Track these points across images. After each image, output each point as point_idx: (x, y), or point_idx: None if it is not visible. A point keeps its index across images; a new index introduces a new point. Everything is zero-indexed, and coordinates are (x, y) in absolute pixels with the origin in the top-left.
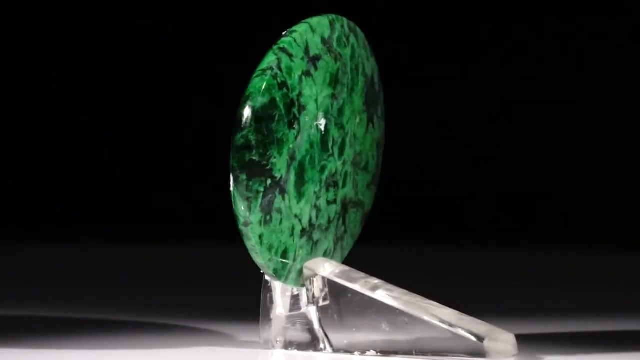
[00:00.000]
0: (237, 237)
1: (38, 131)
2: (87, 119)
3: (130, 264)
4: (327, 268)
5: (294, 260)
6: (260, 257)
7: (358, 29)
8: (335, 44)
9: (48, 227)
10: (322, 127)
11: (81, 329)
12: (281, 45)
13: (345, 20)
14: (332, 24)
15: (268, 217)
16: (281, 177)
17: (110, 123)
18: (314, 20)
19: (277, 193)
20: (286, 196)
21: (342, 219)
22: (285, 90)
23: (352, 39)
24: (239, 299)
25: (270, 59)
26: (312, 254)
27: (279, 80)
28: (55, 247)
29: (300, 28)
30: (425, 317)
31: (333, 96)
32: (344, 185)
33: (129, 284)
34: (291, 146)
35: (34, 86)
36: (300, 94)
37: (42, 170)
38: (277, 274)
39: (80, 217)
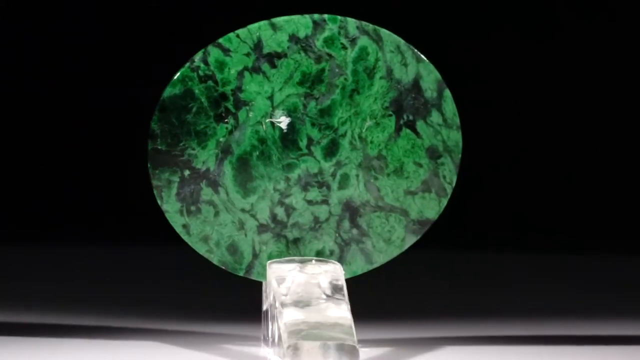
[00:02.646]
0: None
1: (34, 131)
2: (84, 119)
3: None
4: (286, 268)
5: (255, 256)
6: (194, 247)
7: (385, 32)
8: (319, 44)
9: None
10: (284, 125)
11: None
12: (218, 41)
13: (350, 21)
14: (317, 24)
15: (193, 208)
16: (208, 170)
17: (106, 125)
18: (281, 19)
19: (203, 185)
20: (221, 189)
21: (351, 222)
22: (210, 83)
23: (365, 41)
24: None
25: (198, 53)
26: (289, 251)
27: (201, 73)
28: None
29: (255, 25)
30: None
31: (308, 95)
32: (342, 188)
33: (129, 287)
34: (221, 139)
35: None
36: (238, 89)
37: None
38: (228, 267)
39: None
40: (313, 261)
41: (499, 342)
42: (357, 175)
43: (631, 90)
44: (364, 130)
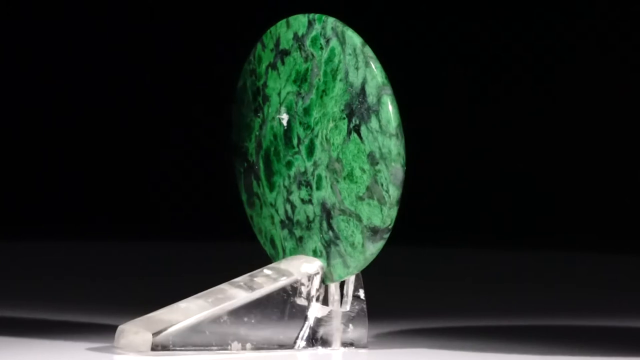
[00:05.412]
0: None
1: (35, 130)
2: (88, 116)
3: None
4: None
5: (283, 251)
6: (258, 239)
7: (349, 34)
8: (308, 43)
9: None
10: (285, 122)
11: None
12: (262, 36)
13: (330, 22)
14: (310, 23)
15: (251, 200)
16: (253, 162)
17: (105, 124)
18: (293, 17)
19: (252, 177)
20: (260, 183)
21: (328, 224)
22: (253, 77)
23: (334, 42)
24: None
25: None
26: (298, 249)
27: (250, 67)
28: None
29: (280, 21)
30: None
31: (298, 94)
32: (318, 188)
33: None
34: (257, 133)
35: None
36: (265, 84)
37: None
38: (274, 260)
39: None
40: (302, 260)
41: (496, 341)
42: (326, 177)
43: (631, 90)
44: (327, 132)
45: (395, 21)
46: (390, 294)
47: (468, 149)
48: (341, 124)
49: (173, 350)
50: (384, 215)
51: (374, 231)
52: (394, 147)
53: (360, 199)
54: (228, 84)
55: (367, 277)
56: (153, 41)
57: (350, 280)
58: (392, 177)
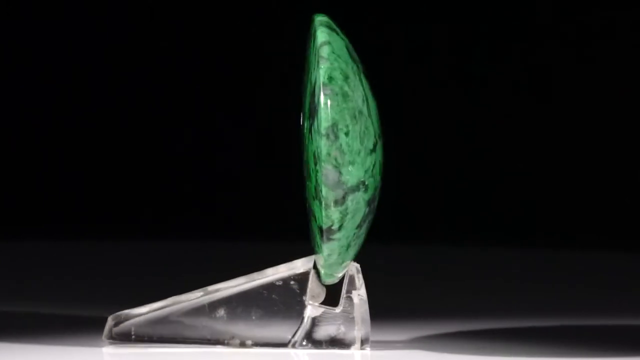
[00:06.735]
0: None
1: (37, 128)
2: (88, 116)
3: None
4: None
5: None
6: None
7: (317, 34)
8: (309, 42)
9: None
10: (302, 120)
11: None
12: None
13: (317, 21)
14: (312, 22)
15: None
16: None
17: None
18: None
19: None
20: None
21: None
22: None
23: (312, 42)
24: None
25: None
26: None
27: None
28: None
29: None
30: None
31: (304, 92)
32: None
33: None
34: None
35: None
36: (304, 82)
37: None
38: None
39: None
40: (303, 260)
41: (497, 341)
42: (306, 176)
43: (631, 89)
44: (307, 131)
45: (396, 20)
46: (390, 294)
47: (468, 149)
48: (307, 123)
49: (139, 341)
50: (323, 216)
51: (321, 231)
52: (324, 147)
53: (313, 198)
54: (228, 83)
55: (367, 277)
56: (152, 40)
57: (348, 281)
58: (324, 177)
